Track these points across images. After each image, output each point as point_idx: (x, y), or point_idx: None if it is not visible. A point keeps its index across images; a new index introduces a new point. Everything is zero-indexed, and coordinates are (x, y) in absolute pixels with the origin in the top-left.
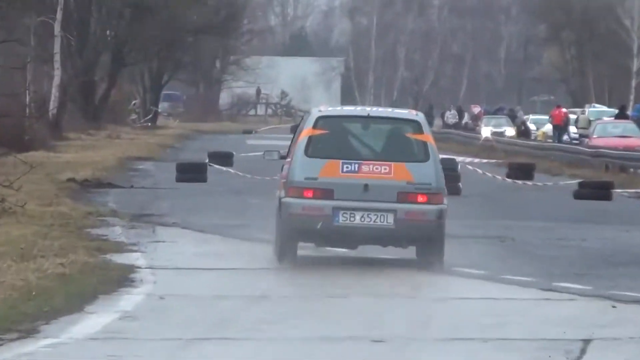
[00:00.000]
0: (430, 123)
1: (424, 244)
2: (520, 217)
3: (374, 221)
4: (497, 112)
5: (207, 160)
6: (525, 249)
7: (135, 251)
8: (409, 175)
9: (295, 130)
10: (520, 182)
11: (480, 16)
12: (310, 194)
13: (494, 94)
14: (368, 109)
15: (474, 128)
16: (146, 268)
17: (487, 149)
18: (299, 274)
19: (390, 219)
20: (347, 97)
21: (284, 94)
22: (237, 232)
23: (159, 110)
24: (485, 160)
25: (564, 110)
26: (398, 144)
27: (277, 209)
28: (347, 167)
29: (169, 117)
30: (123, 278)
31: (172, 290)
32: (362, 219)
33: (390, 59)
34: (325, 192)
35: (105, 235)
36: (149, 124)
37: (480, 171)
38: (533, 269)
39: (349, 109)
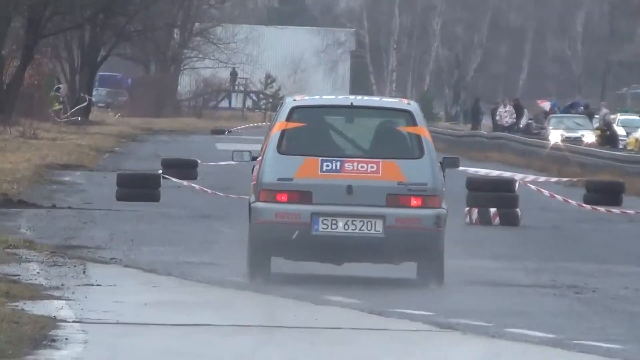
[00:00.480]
0: (477, 123)
1: (420, 257)
2: (603, 259)
3: (360, 229)
4: (570, 109)
5: (160, 171)
6: (609, 304)
7: (59, 298)
8: (401, 175)
9: None
10: (602, 208)
11: None
12: (284, 198)
13: (567, 84)
14: (352, 97)
15: (538, 131)
16: (73, 322)
17: (557, 161)
18: (288, 335)
19: (379, 226)
20: (359, 85)
21: (269, 79)
22: (202, 272)
23: (93, 99)
24: (554, 179)
25: None
26: (387, 139)
27: (248, 216)
28: (327, 166)
29: (108, 109)
30: (40, 336)
31: (110, 354)
32: (346, 227)
33: (420, 31)
34: (302, 196)
35: (17, 275)
36: (79, 118)
37: (546, 193)
38: (622, 332)
39: (329, 98)
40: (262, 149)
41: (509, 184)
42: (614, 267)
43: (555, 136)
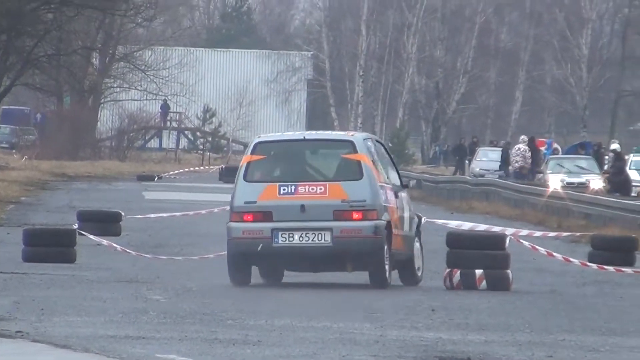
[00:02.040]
0: (461, 166)
1: (366, 263)
2: (611, 331)
3: (312, 240)
4: (577, 150)
5: (76, 226)
6: None
7: None
8: (344, 194)
9: (226, 174)
10: (612, 268)
11: None
12: (250, 218)
13: (569, 118)
14: (306, 132)
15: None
16: None
17: (557, 212)
18: None
19: (328, 237)
20: (317, 120)
21: (208, 114)
22: (127, 348)
23: None
24: (553, 233)
25: None
26: (333, 165)
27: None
28: (284, 190)
29: (13, 150)
30: None
31: None
32: (301, 239)
33: (392, 55)
34: (264, 215)
35: None
36: None
37: (543, 251)
38: None
39: (287, 134)
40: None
41: (498, 240)
42: (624, 340)
43: (554, 182)
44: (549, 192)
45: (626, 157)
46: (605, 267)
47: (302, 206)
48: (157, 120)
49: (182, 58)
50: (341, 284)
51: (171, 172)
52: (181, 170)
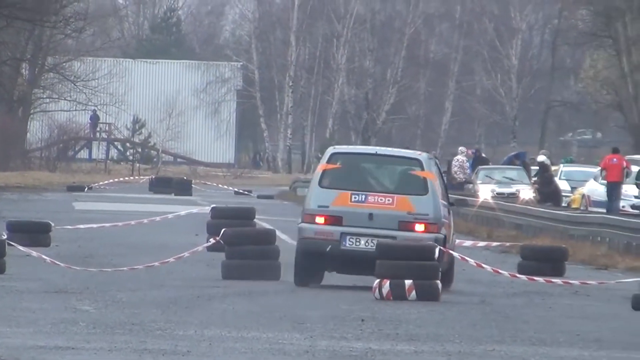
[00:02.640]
0: None
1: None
2: (541, 341)
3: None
4: (513, 160)
5: (4, 237)
6: None
7: None
8: (410, 206)
9: (156, 184)
10: (541, 279)
11: None
12: (322, 220)
13: (499, 129)
14: (377, 148)
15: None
16: None
17: (487, 222)
18: None
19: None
20: (247, 130)
21: (138, 124)
22: (57, 359)
23: None
24: (482, 243)
25: (623, 158)
26: (401, 179)
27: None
28: (355, 197)
29: None
30: None
31: None
32: (367, 244)
33: (322, 65)
34: (335, 219)
35: None
36: None
37: (472, 262)
38: None
39: (360, 147)
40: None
41: (427, 250)
42: (554, 349)
43: (484, 192)
44: (479, 203)
45: (555, 167)
46: (537, 278)
47: (371, 214)
48: (86, 131)
49: (112, 69)
50: (270, 291)
51: (101, 183)
52: (111, 181)
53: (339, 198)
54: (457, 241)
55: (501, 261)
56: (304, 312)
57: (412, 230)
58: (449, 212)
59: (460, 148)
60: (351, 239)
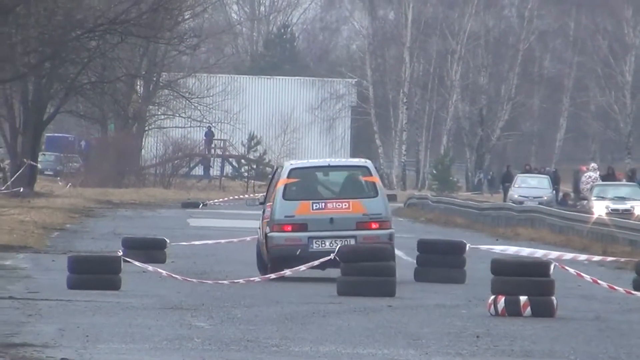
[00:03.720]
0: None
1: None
2: None
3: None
4: (629, 175)
5: (120, 253)
6: None
7: None
8: (363, 209)
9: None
10: None
11: (589, 11)
12: (289, 228)
13: (613, 145)
14: (329, 159)
15: (574, 203)
16: None
17: (602, 238)
18: None
19: (352, 242)
20: (362, 147)
21: (253, 141)
22: None
23: (39, 165)
24: (597, 258)
25: None
26: (353, 185)
27: (262, 242)
28: (316, 206)
29: (57, 177)
30: None
31: None
32: (331, 244)
33: (436, 82)
34: (301, 226)
35: None
36: (22, 189)
37: (588, 278)
38: None
39: (313, 161)
40: (266, 197)
41: (542, 266)
42: None
43: (599, 208)
44: (594, 219)
45: None
46: None
47: (331, 219)
48: (201, 148)
49: (226, 86)
50: (383, 307)
51: (215, 200)
52: (225, 198)
53: (301, 207)
54: (572, 255)
55: (616, 277)
56: (419, 329)
57: (369, 228)
58: None
59: (592, 165)
60: (317, 242)
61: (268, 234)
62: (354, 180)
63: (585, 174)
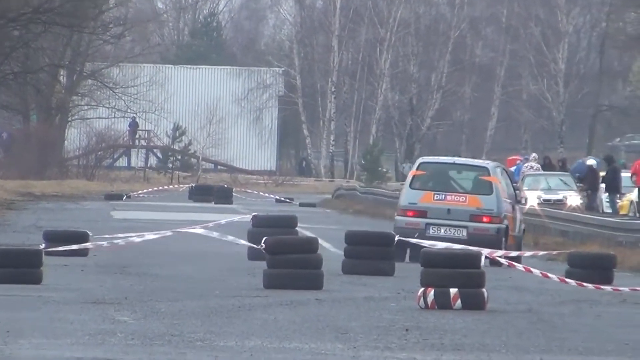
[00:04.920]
0: None
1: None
2: (589, 350)
3: (453, 233)
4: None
5: (42, 247)
6: None
7: None
8: (478, 203)
9: (196, 192)
10: (590, 286)
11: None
12: (411, 214)
13: (545, 134)
14: (455, 158)
15: None
16: None
17: (533, 229)
18: None
19: (464, 232)
20: (289, 138)
21: (178, 132)
22: None
23: None
24: (529, 253)
25: None
26: (472, 182)
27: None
28: (437, 197)
29: None
30: None
31: None
32: (445, 232)
33: (365, 70)
34: (422, 213)
35: None
36: None
37: (520, 266)
38: None
39: (441, 158)
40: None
41: (473, 258)
42: (602, 359)
43: (531, 199)
44: (526, 210)
45: (602, 173)
46: (586, 283)
47: (449, 210)
48: (125, 139)
49: (152, 76)
50: (311, 301)
51: (140, 191)
52: (150, 190)
53: (424, 197)
54: (502, 252)
55: (548, 269)
56: (347, 322)
57: (480, 221)
58: (513, 208)
59: (533, 155)
60: (434, 228)
61: (395, 217)
62: (474, 178)
63: (526, 165)
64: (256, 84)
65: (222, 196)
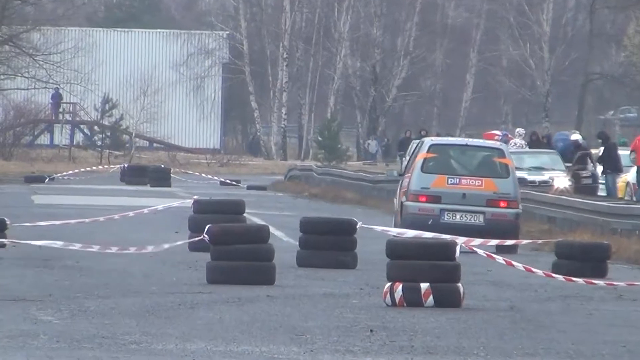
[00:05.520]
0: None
1: (505, 237)
2: (579, 353)
3: (470, 220)
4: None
5: None
6: None
7: None
8: (495, 187)
9: (129, 174)
10: (581, 280)
11: None
12: (424, 199)
13: (529, 106)
14: (467, 139)
15: None
16: None
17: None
18: None
19: (481, 218)
20: (235, 111)
21: (108, 104)
22: None
23: None
24: (510, 242)
25: None
26: (487, 165)
27: (398, 211)
28: (451, 181)
29: None
30: None
31: None
32: (461, 218)
33: (322, 34)
34: (435, 198)
35: None
36: None
37: (501, 259)
38: None
39: (452, 139)
40: (406, 169)
41: (446, 248)
42: None
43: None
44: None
45: (595, 151)
46: (575, 278)
47: (464, 194)
48: (47, 113)
49: (77, 41)
50: (261, 297)
51: (64, 173)
52: (76, 171)
53: (437, 181)
54: (480, 240)
55: (533, 260)
56: (303, 322)
57: (497, 206)
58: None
59: (518, 130)
60: (449, 214)
61: (404, 203)
62: (488, 160)
63: (511, 141)
64: (197, 49)
65: (158, 178)
